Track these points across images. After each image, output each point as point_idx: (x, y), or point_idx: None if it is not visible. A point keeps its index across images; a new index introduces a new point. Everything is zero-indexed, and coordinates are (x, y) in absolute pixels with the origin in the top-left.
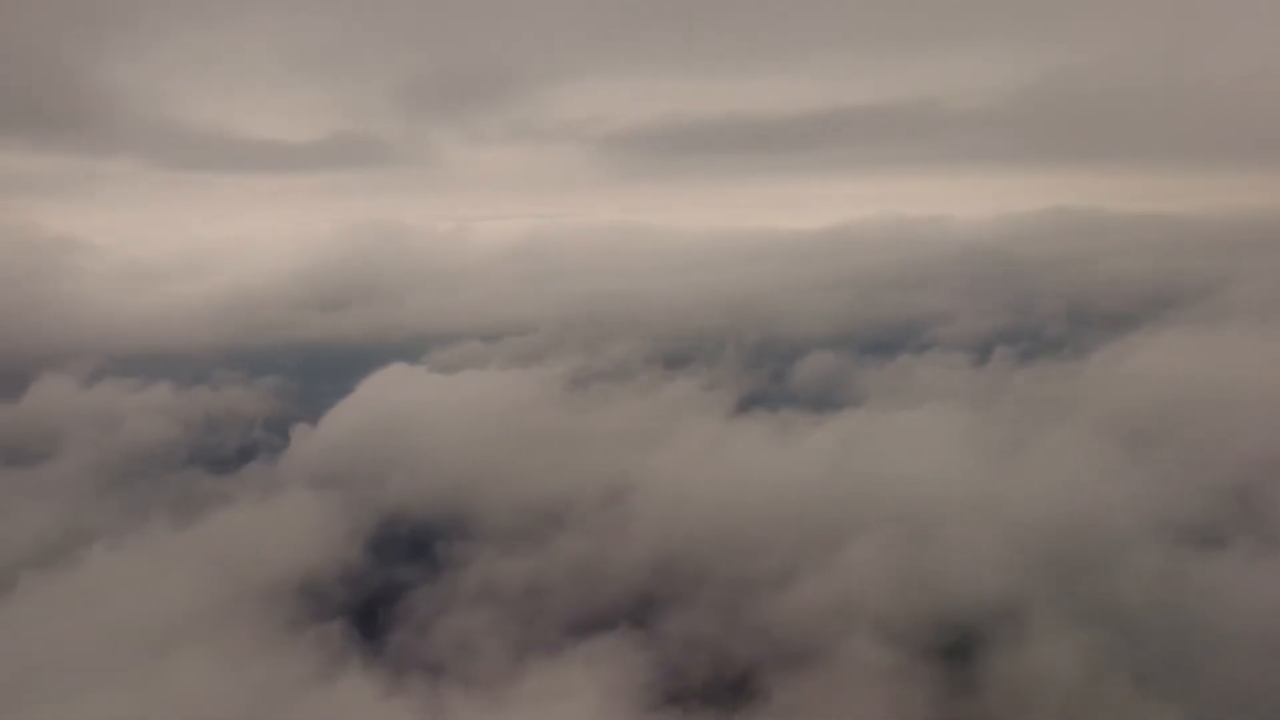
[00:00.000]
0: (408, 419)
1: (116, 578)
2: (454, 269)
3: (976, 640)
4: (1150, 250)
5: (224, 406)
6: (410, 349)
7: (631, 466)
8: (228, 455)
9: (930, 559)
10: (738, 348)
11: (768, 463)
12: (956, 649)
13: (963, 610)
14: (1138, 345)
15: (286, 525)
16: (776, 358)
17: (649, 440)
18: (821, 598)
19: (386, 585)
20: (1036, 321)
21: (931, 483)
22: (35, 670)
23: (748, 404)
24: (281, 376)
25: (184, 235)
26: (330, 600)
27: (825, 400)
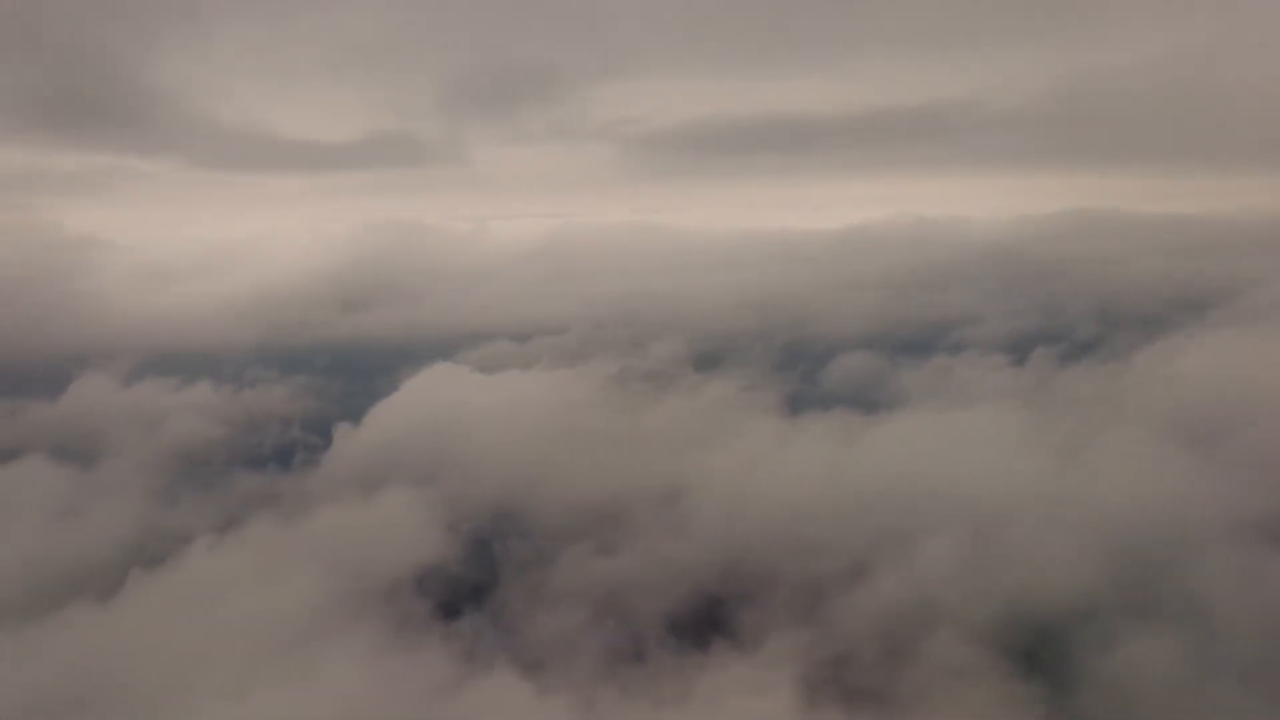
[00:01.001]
0: (457, 419)
1: (223, 576)
2: (479, 269)
3: (1059, 639)
4: (1172, 252)
5: (262, 406)
6: (440, 348)
7: (687, 467)
8: (267, 454)
9: (1004, 558)
10: (767, 348)
11: (826, 463)
12: (1039, 647)
13: (1042, 609)
14: (1181, 346)
15: (382, 523)
16: (809, 358)
17: (701, 441)
18: (898, 597)
19: (480, 582)
20: (1066, 322)
21: (997, 482)
22: (174, 671)
23: (792, 404)
24: (312, 376)
25: (205, 235)
26: (437, 596)
27: (867, 401)
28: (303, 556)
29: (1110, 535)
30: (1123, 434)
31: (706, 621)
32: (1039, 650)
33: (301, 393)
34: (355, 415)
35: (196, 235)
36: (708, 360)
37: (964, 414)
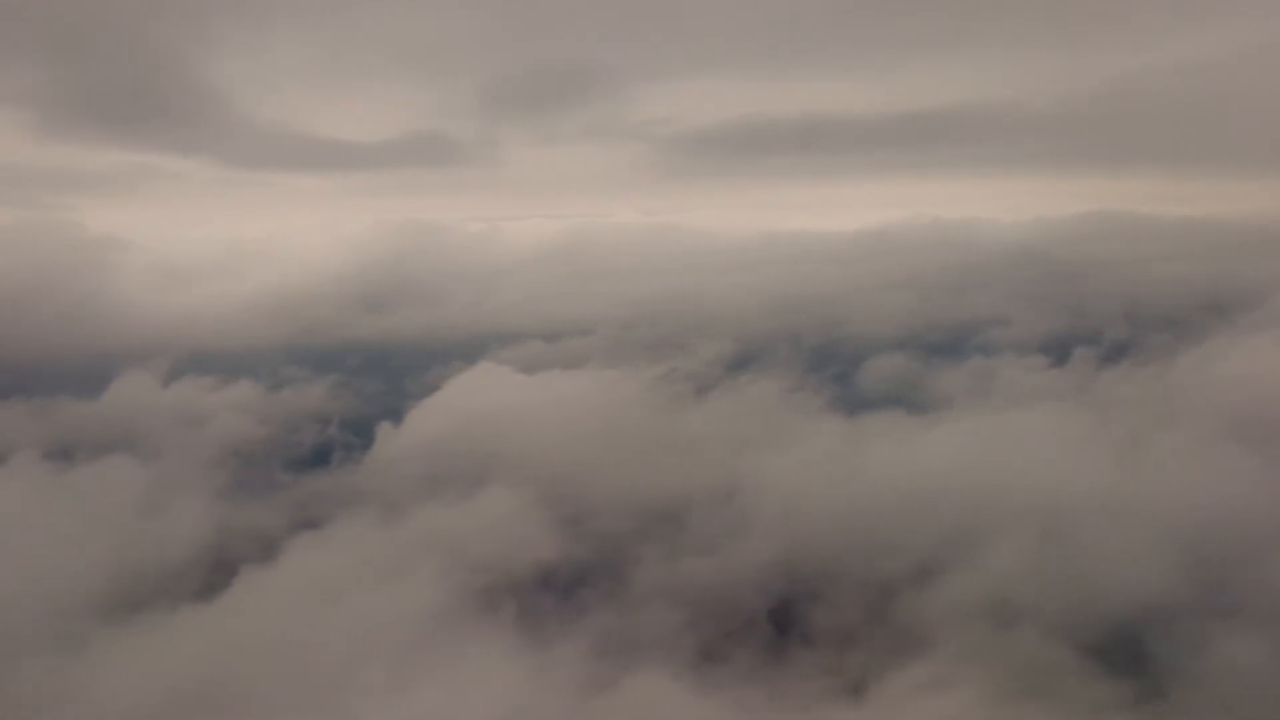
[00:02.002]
0: (506, 419)
1: (331, 574)
2: (496, 268)
3: (1140, 638)
4: (1194, 255)
5: (301, 405)
6: (469, 348)
7: (744, 468)
8: (312, 453)
9: (1077, 557)
10: (796, 349)
11: (885, 463)
12: (1121, 647)
13: (1121, 608)
14: (1223, 349)
15: (485, 521)
16: (840, 360)
17: (754, 441)
18: (972, 595)
19: (586, 579)
20: (1094, 324)
21: (1060, 482)
22: (312, 670)
23: (837, 406)
24: (345, 375)
25: (226, 235)
26: (556, 594)
27: (909, 402)
28: (405, 554)
29: (1182, 534)
30: (1180, 434)
31: (784, 620)
32: (1121, 649)
33: (338, 392)
34: (393, 415)
35: (218, 235)
36: (740, 361)
37: (1020, 414)
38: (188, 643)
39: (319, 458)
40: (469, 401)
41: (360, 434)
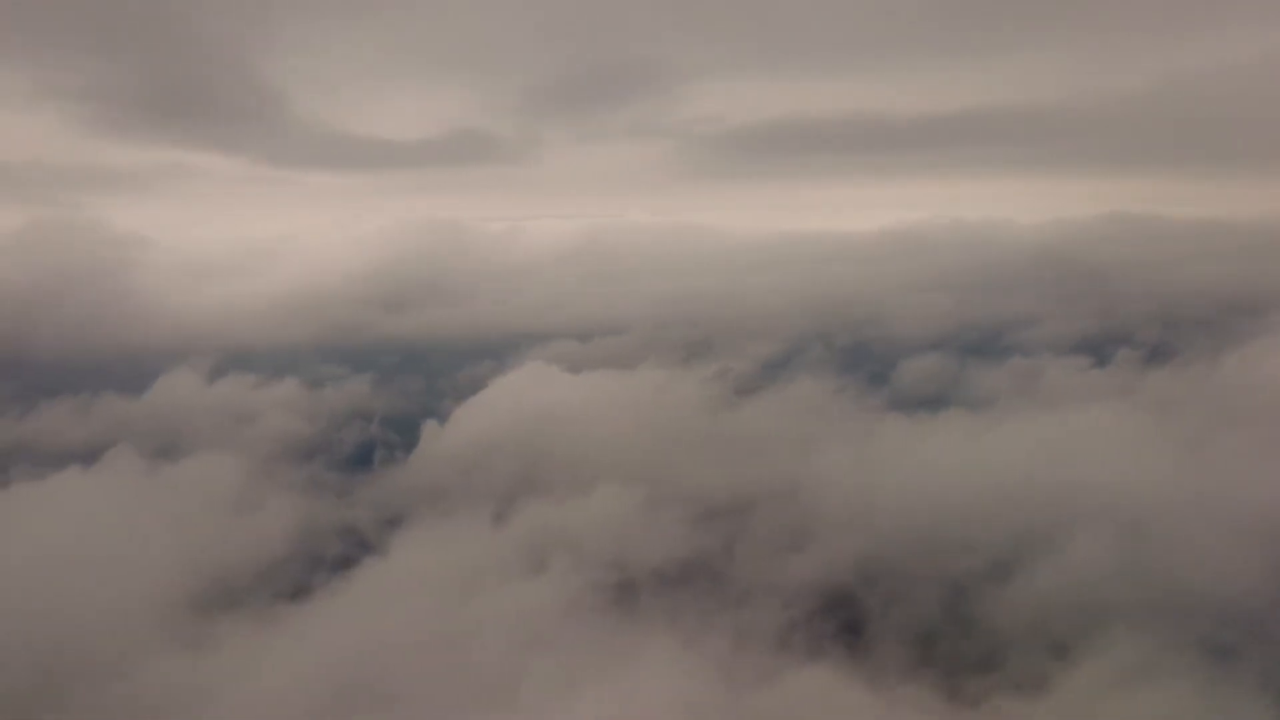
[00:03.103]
0: (557, 418)
1: (443, 571)
2: (520, 268)
3: (1232, 636)
4: (1219, 256)
5: (345, 403)
6: (499, 347)
7: (806, 466)
8: (352, 451)
9: (1157, 554)
10: (830, 349)
11: (949, 461)
12: (1219, 643)
13: (1209, 605)
14: (1268, 349)
15: (595, 518)
16: (876, 360)
17: (811, 440)
18: (1051, 593)
19: (695, 576)
20: (1125, 325)
21: (1130, 480)
22: (452, 669)
23: (884, 405)
24: (380, 374)
25: (251, 234)
26: (679, 589)
27: (955, 401)
28: (521, 551)
29: (1258, 531)
30: (1240, 434)
31: (868, 617)
32: (1212, 645)
33: (379, 390)
34: (433, 413)
35: (242, 234)
36: (777, 361)
37: (1078, 413)
38: (322, 638)
39: (364, 455)
40: (519, 400)
41: (401, 432)
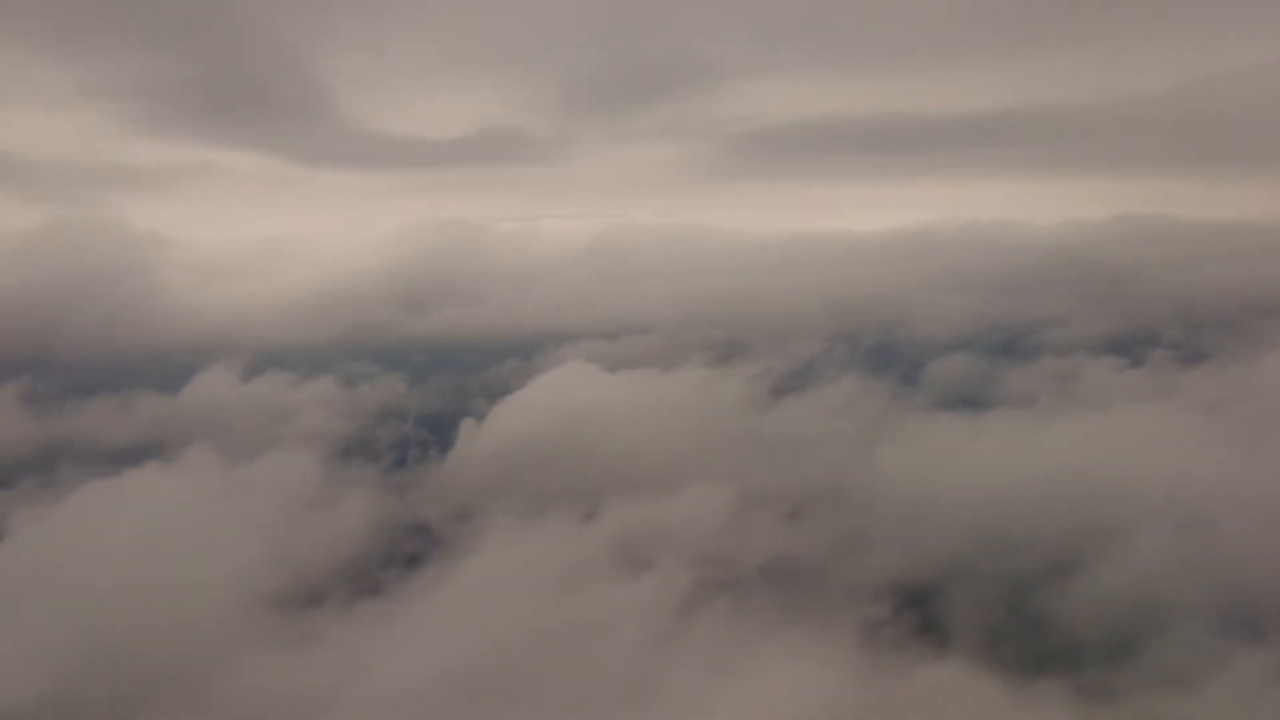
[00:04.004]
0: (600, 417)
1: (533, 570)
2: (536, 267)
3: None
4: (1239, 257)
5: (380, 401)
6: (525, 347)
7: (859, 465)
8: (389, 449)
9: (1222, 554)
10: (855, 349)
11: (1000, 460)
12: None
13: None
14: None
15: (682, 516)
16: (904, 360)
17: (857, 440)
18: (1116, 591)
19: (784, 575)
20: (1151, 326)
21: (1186, 479)
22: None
23: (922, 405)
24: (409, 373)
25: (270, 233)
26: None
27: (989, 401)
28: (613, 549)
29: None
30: None
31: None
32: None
33: (415, 389)
34: (466, 412)
35: (261, 233)
36: (807, 361)
37: (1125, 413)
38: (428, 635)
39: (400, 454)
40: (560, 399)
41: (434, 430)
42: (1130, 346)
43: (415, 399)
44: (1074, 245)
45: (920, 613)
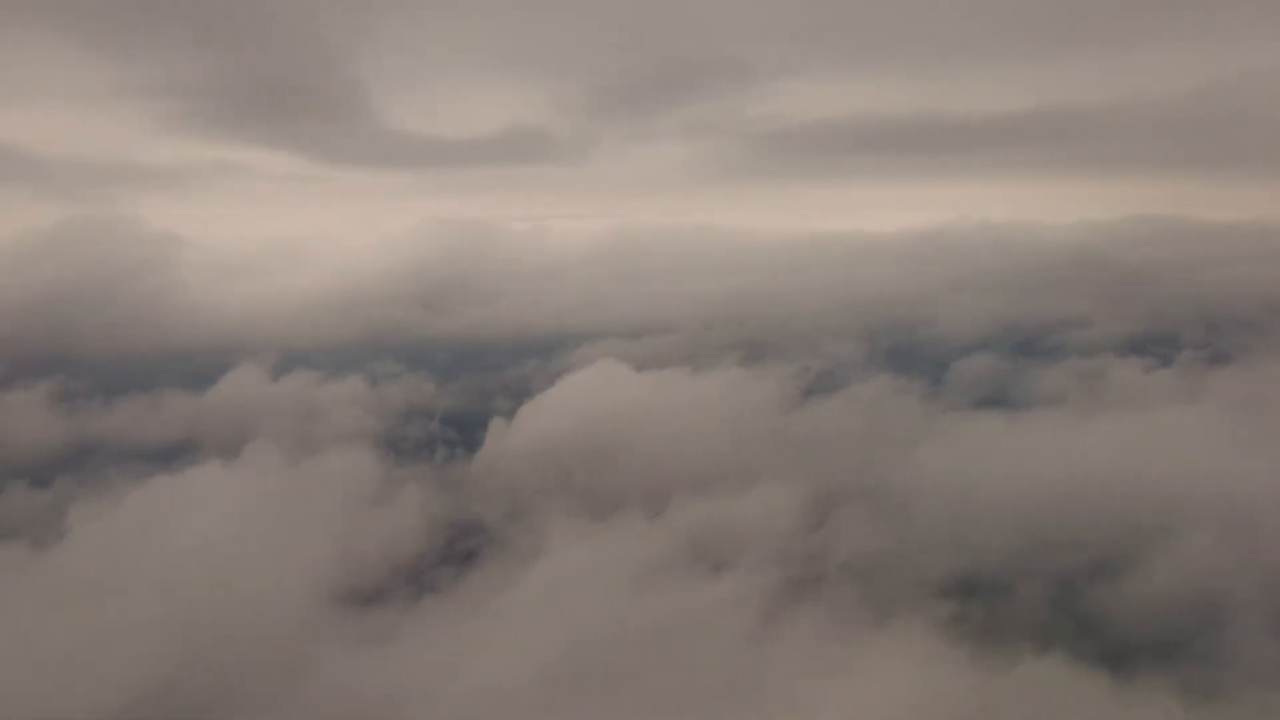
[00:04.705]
0: (633, 416)
1: (604, 569)
2: (550, 267)
3: None
4: (1257, 258)
5: (409, 400)
6: (545, 346)
7: (899, 465)
8: (412, 449)
9: (1270, 552)
10: (875, 349)
11: (1039, 459)
12: None
13: None
14: None
15: (753, 514)
16: (927, 360)
17: (895, 439)
18: (1171, 590)
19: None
20: (1172, 327)
21: (1230, 478)
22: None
23: (964, 405)
24: (431, 372)
25: (288, 231)
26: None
27: (1018, 402)
28: (680, 549)
29: None
30: None
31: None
32: None
33: (443, 388)
34: (489, 412)
35: (281, 232)
36: (836, 361)
37: (1161, 413)
38: (510, 632)
39: (429, 452)
40: (592, 399)
41: (460, 429)
42: (1152, 347)
43: (441, 398)
44: (1090, 246)
45: (993, 608)
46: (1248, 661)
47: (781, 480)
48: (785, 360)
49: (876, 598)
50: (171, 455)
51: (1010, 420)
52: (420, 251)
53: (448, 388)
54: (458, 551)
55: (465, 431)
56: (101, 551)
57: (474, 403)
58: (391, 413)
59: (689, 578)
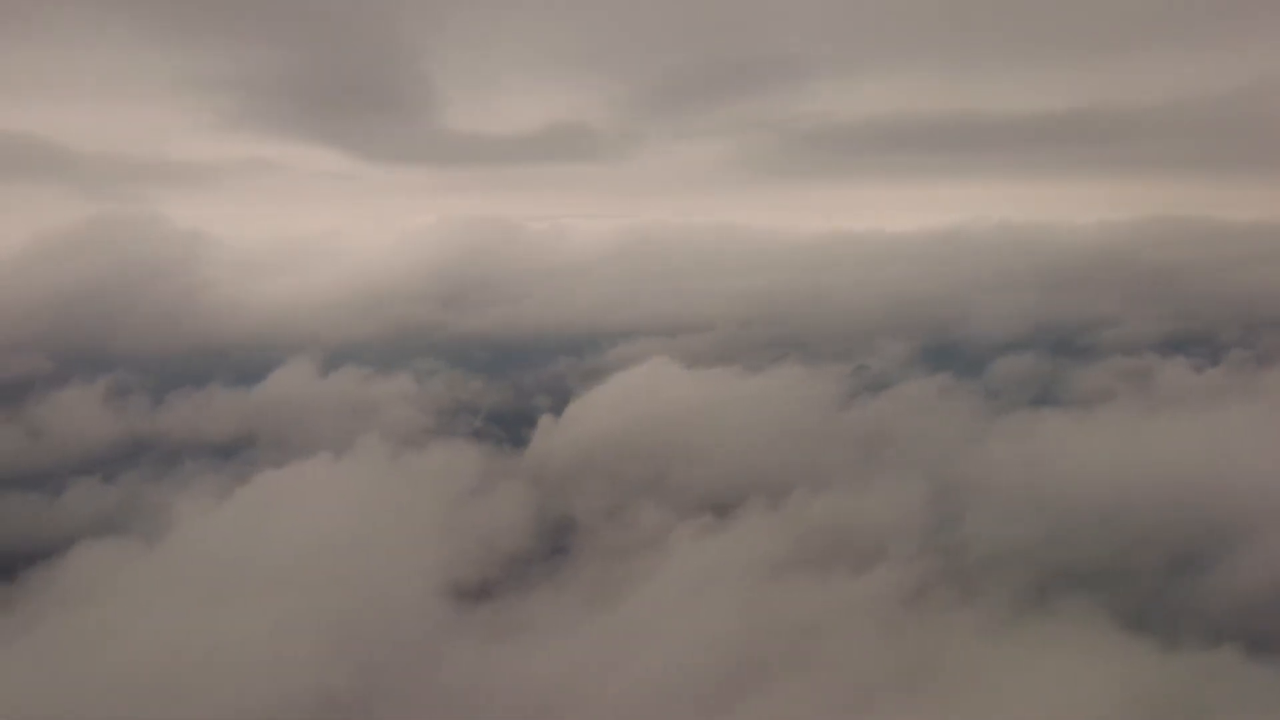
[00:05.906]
0: (687, 415)
1: (732, 566)
2: (576, 266)
3: None
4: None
5: (455, 396)
6: (580, 344)
7: (956, 465)
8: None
9: None
10: (912, 347)
11: (1110, 458)
12: None
13: None
14: None
15: (875, 509)
16: (964, 359)
17: (952, 438)
18: (1251, 588)
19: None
20: (1207, 326)
21: None
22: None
23: (1013, 403)
24: (471, 369)
25: (317, 229)
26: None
27: (1063, 400)
28: (804, 546)
29: None
30: None
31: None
32: None
33: (490, 385)
34: (530, 409)
35: (308, 230)
36: (882, 360)
37: (1227, 412)
38: (641, 630)
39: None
40: (645, 395)
41: (505, 426)
42: (1188, 346)
43: (487, 394)
44: (1111, 246)
45: (1139, 599)
46: None
47: (886, 477)
48: (825, 358)
49: (1024, 590)
50: (231, 451)
51: (1073, 418)
52: (445, 250)
53: (491, 385)
54: (556, 546)
55: (509, 428)
56: (215, 546)
57: (515, 400)
58: (438, 410)
59: (826, 573)
